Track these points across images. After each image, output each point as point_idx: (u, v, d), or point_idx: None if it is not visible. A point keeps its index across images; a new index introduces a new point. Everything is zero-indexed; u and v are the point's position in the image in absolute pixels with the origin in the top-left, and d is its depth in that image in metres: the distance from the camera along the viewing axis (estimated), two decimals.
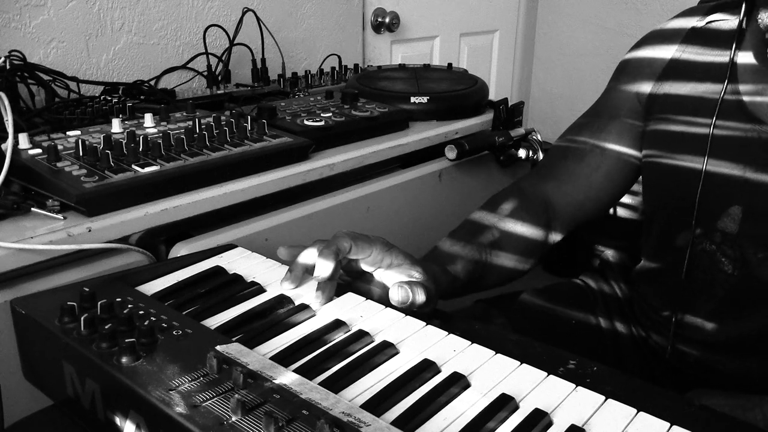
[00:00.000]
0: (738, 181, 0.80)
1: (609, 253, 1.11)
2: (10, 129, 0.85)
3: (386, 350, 0.59)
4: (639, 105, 0.92)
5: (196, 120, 1.03)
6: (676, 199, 0.86)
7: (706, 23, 0.88)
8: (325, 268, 0.67)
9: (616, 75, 0.98)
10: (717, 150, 0.82)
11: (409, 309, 0.68)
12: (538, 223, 0.94)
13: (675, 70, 0.89)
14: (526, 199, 0.95)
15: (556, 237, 0.97)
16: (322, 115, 1.15)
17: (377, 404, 0.52)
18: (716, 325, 0.85)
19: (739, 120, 0.81)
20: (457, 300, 0.87)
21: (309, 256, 0.71)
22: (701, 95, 0.84)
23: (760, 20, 0.76)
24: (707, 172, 0.82)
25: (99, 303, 0.61)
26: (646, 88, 0.91)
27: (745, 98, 0.81)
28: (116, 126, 0.99)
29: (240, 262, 0.77)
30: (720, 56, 0.84)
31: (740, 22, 0.82)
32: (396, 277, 0.72)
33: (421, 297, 0.68)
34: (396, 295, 0.67)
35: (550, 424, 0.51)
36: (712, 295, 0.85)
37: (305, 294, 0.69)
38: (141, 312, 0.63)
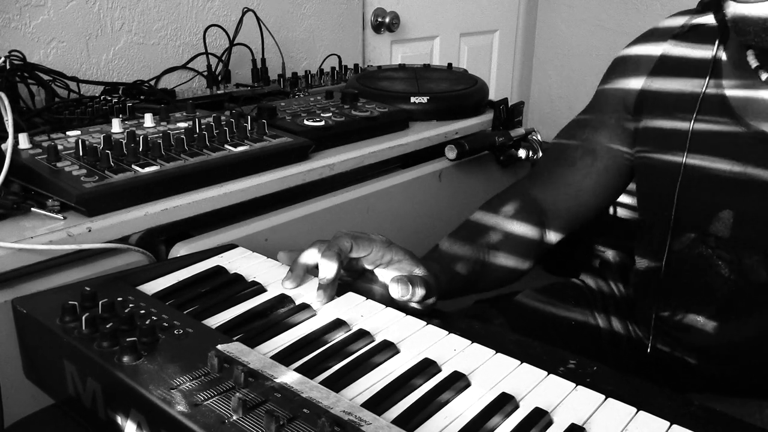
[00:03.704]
0: (725, 183, 0.80)
1: (609, 254, 1.11)
2: (10, 129, 0.85)
3: (387, 349, 0.59)
4: (630, 103, 0.92)
5: (196, 120, 1.03)
6: (666, 199, 0.86)
7: (696, 21, 0.88)
8: (328, 269, 0.67)
9: (606, 75, 0.98)
10: (699, 147, 0.81)
11: (409, 304, 0.68)
12: (535, 227, 0.94)
13: (665, 66, 0.88)
14: (523, 202, 0.96)
15: (552, 239, 0.97)
16: (322, 115, 1.15)
17: (378, 403, 0.52)
18: (716, 328, 0.85)
19: (721, 116, 0.81)
20: (456, 300, 0.87)
21: (310, 256, 0.71)
22: (686, 91, 0.84)
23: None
24: (691, 171, 0.82)
25: (100, 302, 0.61)
26: (637, 84, 0.91)
27: (728, 92, 0.81)
28: (116, 126, 0.99)
29: (240, 262, 0.77)
30: (706, 52, 0.84)
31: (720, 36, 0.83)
32: (396, 274, 0.72)
33: (420, 291, 0.68)
34: (395, 289, 0.67)
35: (550, 423, 0.51)
36: (711, 298, 0.84)
37: (306, 293, 0.69)
38: (142, 311, 0.63)
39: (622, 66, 0.95)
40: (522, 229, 0.95)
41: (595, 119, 0.96)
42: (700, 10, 0.89)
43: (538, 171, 1.02)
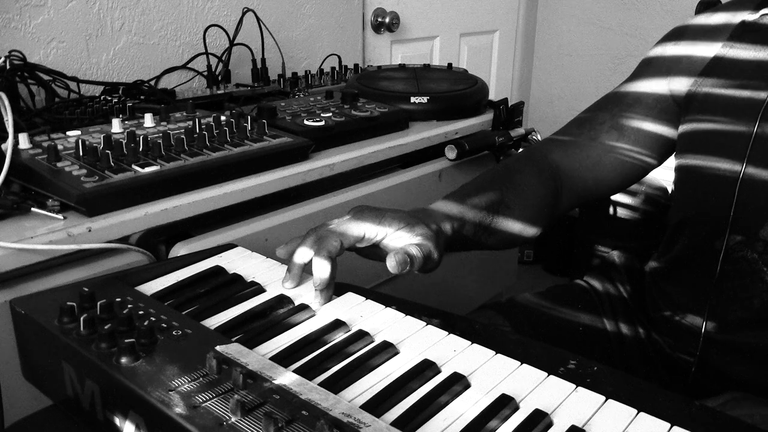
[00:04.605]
0: None
1: (614, 254, 1.10)
2: (10, 129, 0.85)
3: (386, 350, 0.59)
4: (671, 102, 0.89)
5: (196, 120, 1.03)
6: (713, 204, 0.83)
7: (760, 17, 0.83)
8: (322, 271, 0.67)
9: (642, 68, 0.94)
10: (759, 154, 0.78)
11: (418, 270, 0.68)
12: (549, 189, 0.92)
13: (719, 67, 0.84)
14: (537, 165, 0.94)
15: (563, 207, 0.95)
16: (322, 115, 1.15)
17: (377, 405, 0.52)
18: (748, 334, 0.82)
19: None
20: (460, 306, 0.86)
21: (304, 255, 0.71)
22: (747, 96, 0.80)
23: None
24: (748, 177, 0.78)
25: (98, 303, 0.61)
26: (682, 85, 0.87)
27: None
28: (116, 126, 0.99)
29: (240, 262, 0.77)
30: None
31: None
32: (397, 246, 0.71)
33: (418, 258, 0.68)
34: (393, 266, 0.66)
35: (550, 424, 0.51)
36: (747, 303, 0.81)
37: (305, 294, 0.69)
38: (140, 312, 0.63)
39: (661, 63, 0.91)
40: (537, 187, 0.92)
41: (623, 105, 0.93)
42: (757, 5, 0.83)
43: (561, 136, 0.99)
